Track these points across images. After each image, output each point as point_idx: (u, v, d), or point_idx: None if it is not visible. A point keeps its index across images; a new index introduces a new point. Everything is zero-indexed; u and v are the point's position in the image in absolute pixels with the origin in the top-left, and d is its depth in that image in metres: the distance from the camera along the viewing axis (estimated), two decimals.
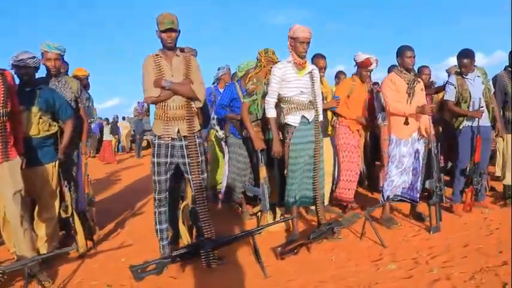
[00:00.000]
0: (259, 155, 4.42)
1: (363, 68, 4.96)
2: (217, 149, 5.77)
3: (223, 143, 5.36)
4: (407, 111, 4.32)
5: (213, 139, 5.81)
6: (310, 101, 4.01)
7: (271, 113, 4.05)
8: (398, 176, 4.43)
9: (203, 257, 3.40)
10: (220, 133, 5.29)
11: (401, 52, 4.39)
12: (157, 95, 3.40)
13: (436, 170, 4.28)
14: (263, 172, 4.37)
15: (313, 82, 4.05)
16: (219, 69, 6.08)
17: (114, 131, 14.98)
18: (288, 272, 3.39)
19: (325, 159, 4.77)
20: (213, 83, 6.12)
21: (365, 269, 3.39)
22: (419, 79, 4.52)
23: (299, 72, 3.99)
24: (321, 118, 4.14)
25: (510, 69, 5.24)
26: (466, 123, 4.83)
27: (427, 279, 3.07)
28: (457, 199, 4.95)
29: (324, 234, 3.81)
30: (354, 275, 3.26)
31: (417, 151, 4.49)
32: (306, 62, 4.04)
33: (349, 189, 5.00)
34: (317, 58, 4.93)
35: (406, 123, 4.36)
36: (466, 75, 4.86)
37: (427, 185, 4.32)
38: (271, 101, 4.03)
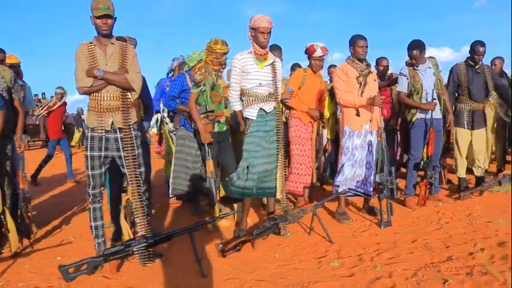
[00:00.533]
0: (207, 148, 4.26)
1: (311, 57, 4.80)
2: (170, 142, 5.58)
3: (173, 136, 5.17)
4: (358, 102, 4.21)
5: (166, 132, 5.62)
6: (269, 93, 3.86)
7: (237, 106, 3.91)
8: (349, 169, 4.33)
9: (137, 255, 3.23)
10: (170, 125, 5.09)
11: (353, 41, 4.28)
12: (90, 85, 3.20)
13: (386, 163, 4.19)
14: (210, 166, 4.21)
15: (274, 74, 3.90)
16: (173, 59, 5.86)
17: (78, 123, 14.51)
18: (227, 270, 3.25)
19: None
20: (168, 74, 5.91)
21: (307, 266, 3.27)
22: (372, 69, 4.41)
23: (260, 63, 3.83)
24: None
25: (470, 61, 5.19)
26: (418, 115, 4.76)
27: (369, 277, 2.96)
28: (411, 192, 4.89)
29: (269, 230, 3.67)
30: (295, 273, 3.13)
31: (370, 143, 4.39)
32: (267, 53, 3.87)
33: (299, 183, 4.87)
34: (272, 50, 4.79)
35: (358, 114, 4.25)
36: (417, 67, 4.77)
37: (377, 179, 4.24)
38: (234, 94, 3.88)
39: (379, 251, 3.46)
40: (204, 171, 4.81)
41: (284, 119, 4.96)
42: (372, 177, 4.42)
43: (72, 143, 14.43)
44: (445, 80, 5.45)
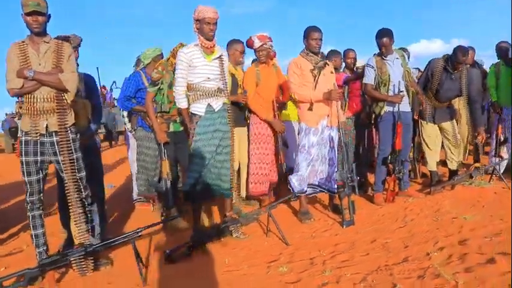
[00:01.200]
0: (163, 148, 4.09)
1: (255, 50, 4.54)
2: None
3: (130, 135, 4.99)
4: (313, 97, 4.04)
5: None
6: (218, 88, 3.67)
7: (183, 103, 3.68)
8: (305, 168, 4.15)
9: (74, 264, 3.06)
10: (129, 126, 4.92)
11: (307, 34, 4.11)
12: (20, 86, 3.02)
13: (346, 160, 4.03)
14: (166, 167, 4.04)
15: (222, 67, 3.71)
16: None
17: None
18: (171, 279, 3.08)
19: (241, 150, 4.48)
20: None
21: (256, 272, 3.10)
22: (327, 62, 4.23)
23: (207, 56, 3.63)
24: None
25: (449, 65, 5.00)
26: (386, 108, 4.59)
27: (316, 283, 2.79)
28: (379, 189, 4.74)
29: (220, 233, 3.50)
30: (242, 280, 2.97)
31: (331, 139, 4.22)
32: (214, 46, 3.68)
33: (261, 183, 4.66)
34: (235, 43, 4.62)
35: (310, 109, 4.08)
36: (385, 57, 4.60)
37: (337, 177, 4.07)
38: (180, 89, 3.65)
39: (334, 253, 3.30)
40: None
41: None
42: (336, 174, 4.25)
43: None
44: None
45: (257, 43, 4.49)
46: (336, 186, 4.31)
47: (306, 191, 4.23)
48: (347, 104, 5.15)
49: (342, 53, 5.46)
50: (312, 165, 4.24)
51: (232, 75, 4.57)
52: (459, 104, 6.24)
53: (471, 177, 4.90)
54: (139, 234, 3.07)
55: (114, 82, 5.30)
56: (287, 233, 3.84)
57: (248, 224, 3.80)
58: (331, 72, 4.22)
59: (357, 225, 3.97)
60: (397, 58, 4.67)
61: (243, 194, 4.79)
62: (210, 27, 3.53)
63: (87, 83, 3.96)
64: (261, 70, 4.54)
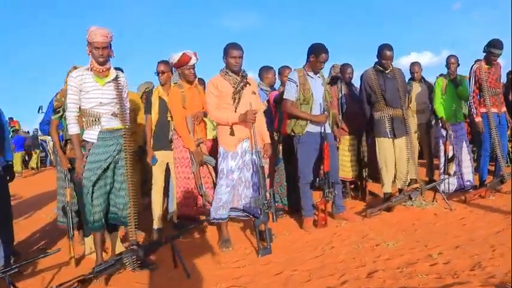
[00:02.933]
0: (68, 175, 3.86)
1: (182, 67, 4.27)
2: None
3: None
4: (231, 119, 3.80)
5: None
6: (113, 113, 3.43)
7: (72, 129, 3.40)
8: (225, 194, 3.89)
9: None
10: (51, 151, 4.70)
11: (225, 51, 3.85)
12: None
13: (263, 185, 3.77)
14: (67, 195, 3.80)
15: (119, 91, 3.46)
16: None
17: (36, 145, 13.98)
18: None
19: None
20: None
21: None
22: (248, 81, 3.98)
23: (99, 80, 3.39)
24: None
25: (379, 67, 4.79)
26: (309, 128, 4.32)
27: None
28: (307, 213, 4.43)
29: (112, 267, 3.22)
30: None
31: (254, 163, 3.96)
32: (108, 70, 3.45)
33: (186, 206, 4.38)
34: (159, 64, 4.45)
35: (232, 133, 3.83)
36: (310, 74, 4.37)
37: (252, 203, 3.81)
38: (70, 115, 3.39)
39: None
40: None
41: None
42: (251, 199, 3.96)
43: (32, 165, 14.11)
44: None
45: (193, 60, 4.27)
46: (259, 212, 4.04)
47: (225, 218, 3.97)
48: (281, 124, 4.84)
49: (278, 70, 5.25)
50: (236, 190, 3.99)
51: (162, 99, 4.45)
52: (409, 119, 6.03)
53: (410, 198, 4.63)
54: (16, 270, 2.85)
55: (41, 107, 5.02)
56: (200, 263, 3.60)
57: (147, 257, 3.50)
58: (253, 93, 3.98)
59: (273, 254, 3.70)
60: (318, 77, 4.44)
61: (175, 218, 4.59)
62: (100, 52, 3.29)
63: None
64: (186, 91, 4.30)
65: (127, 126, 3.48)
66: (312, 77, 4.39)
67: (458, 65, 5.46)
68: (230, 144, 3.86)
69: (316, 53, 4.30)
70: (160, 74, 4.49)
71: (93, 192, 3.40)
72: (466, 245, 3.42)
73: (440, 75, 5.56)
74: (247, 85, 3.93)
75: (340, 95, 5.42)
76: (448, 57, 5.48)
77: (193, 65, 4.28)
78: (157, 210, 4.51)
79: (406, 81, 5.96)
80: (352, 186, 5.96)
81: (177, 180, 4.36)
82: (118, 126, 3.44)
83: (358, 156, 5.49)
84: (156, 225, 4.51)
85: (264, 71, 5.19)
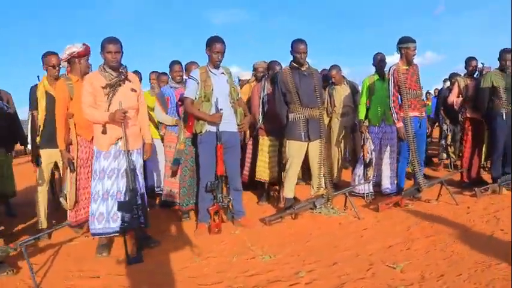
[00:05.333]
0: None
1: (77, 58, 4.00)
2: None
3: None
4: (102, 118, 3.49)
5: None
6: None
7: None
8: (103, 205, 3.58)
9: None
10: None
11: (102, 46, 3.52)
12: None
13: (131, 188, 3.47)
14: None
15: None
16: None
17: None
18: None
19: None
20: None
21: None
22: (129, 78, 3.66)
23: None
24: None
25: (294, 63, 4.49)
26: (207, 127, 4.04)
27: None
28: (203, 219, 4.15)
29: None
30: None
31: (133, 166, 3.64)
32: None
33: (84, 208, 4.03)
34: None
35: (104, 132, 3.53)
36: (213, 71, 4.08)
37: (117, 209, 3.51)
38: None
39: None
40: None
41: None
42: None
43: None
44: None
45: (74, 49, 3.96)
46: (143, 219, 3.74)
47: (117, 231, 3.64)
48: (187, 123, 4.52)
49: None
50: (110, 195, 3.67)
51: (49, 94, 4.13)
52: (332, 121, 5.77)
53: (314, 206, 4.36)
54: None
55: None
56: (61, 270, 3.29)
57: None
58: (132, 90, 3.67)
59: (144, 263, 3.40)
60: (222, 73, 4.15)
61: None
62: None
63: None
64: (74, 84, 3.96)
65: None
66: (215, 74, 4.10)
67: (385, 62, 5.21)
68: (103, 144, 3.56)
69: (210, 45, 4.04)
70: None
71: None
72: (345, 262, 3.21)
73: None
74: (126, 82, 3.63)
75: (262, 93, 5.12)
76: (376, 55, 5.24)
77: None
78: (42, 210, 4.21)
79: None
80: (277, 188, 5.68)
81: (80, 181, 4.04)
82: None
83: (279, 157, 5.19)
84: (42, 226, 4.21)
85: (171, 66, 4.87)
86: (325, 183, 4.54)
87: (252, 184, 5.55)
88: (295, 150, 4.53)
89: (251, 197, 5.65)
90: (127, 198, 3.49)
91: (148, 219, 3.82)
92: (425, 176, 5.14)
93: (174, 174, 4.74)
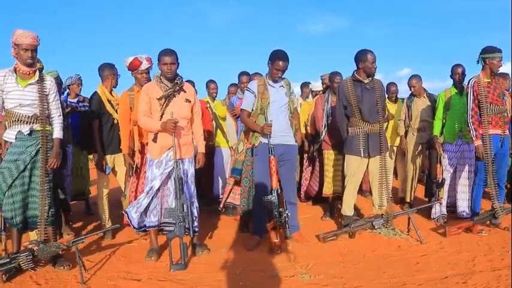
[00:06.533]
0: None
1: (135, 71, 4.23)
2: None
3: None
4: (155, 127, 3.66)
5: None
6: (34, 115, 3.45)
7: None
8: (147, 200, 3.75)
9: None
10: None
11: (159, 58, 3.71)
12: None
13: (179, 197, 3.57)
14: None
15: (42, 93, 3.47)
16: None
17: None
18: None
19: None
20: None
21: None
22: (184, 89, 3.80)
23: (21, 82, 3.43)
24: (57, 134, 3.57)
25: (357, 76, 4.31)
26: (261, 139, 4.04)
27: None
28: (256, 231, 4.14)
29: (7, 264, 3.22)
30: None
31: (185, 173, 3.78)
32: (34, 72, 3.48)
33: None
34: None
35: (154, 140, 3.71)
36: (271, 83, 4.07)
37: (166, 216, 3.64)
38: None
39: None
40: None
41: None
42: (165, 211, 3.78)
43: None
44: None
45: (145, 65, 4.23)
46: (196, 225, 3.86)
47: (154, 226, 3.83)
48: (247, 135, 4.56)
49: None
50: (162, 199, 3.84)
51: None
52: (408, 136, 5.42)
53: (373, 226, 4.12)
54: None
55: None
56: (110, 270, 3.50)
57: (47, 256, 3.47)
58: (187, 101, 3.80)
59: (187, 271, 3.48)
60: (282, 86, 4.12)
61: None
62: (28, 53, 3.35)
63: None
64: (135, 95, 4.22)
65: (46, 128, 3.50)
66: (273, 86, 4.10)
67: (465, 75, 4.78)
68: (154, 152, 3.74)
69: (272, 60, 4.03)
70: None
71: (9, 191, 3.45)
72: None
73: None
74: (182, 92, 3.77)
75: (327, 106, 4.99)
76: (454, 67, 4.83)
77: (146, 69, 4.22)
78: (106, 211, 4.55)
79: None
80: None
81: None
82: (37, 128, 3.47)
83: (343, 171, 4.99)
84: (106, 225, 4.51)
85: (239, 76, 4.97)
86: (387, 201, 4.27)
87: (321, 199, 5.45)
88: (354, 166, 4.34)
89: (318, 211, 5.52)
90: (173, 206, 3.61)
91: (198, 227, 3.91)
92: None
93: (237, 183, 4.81)
